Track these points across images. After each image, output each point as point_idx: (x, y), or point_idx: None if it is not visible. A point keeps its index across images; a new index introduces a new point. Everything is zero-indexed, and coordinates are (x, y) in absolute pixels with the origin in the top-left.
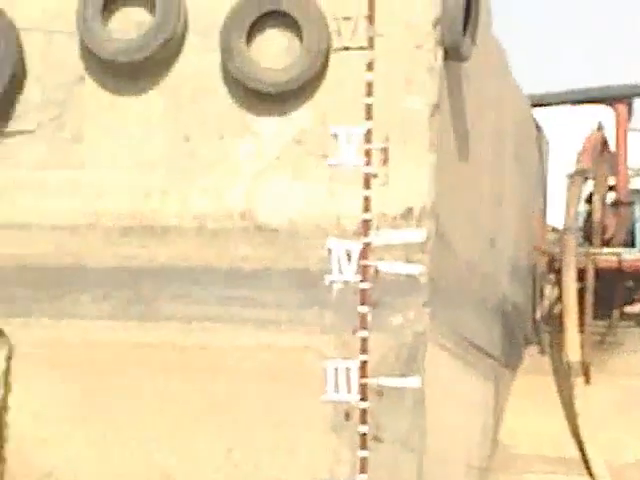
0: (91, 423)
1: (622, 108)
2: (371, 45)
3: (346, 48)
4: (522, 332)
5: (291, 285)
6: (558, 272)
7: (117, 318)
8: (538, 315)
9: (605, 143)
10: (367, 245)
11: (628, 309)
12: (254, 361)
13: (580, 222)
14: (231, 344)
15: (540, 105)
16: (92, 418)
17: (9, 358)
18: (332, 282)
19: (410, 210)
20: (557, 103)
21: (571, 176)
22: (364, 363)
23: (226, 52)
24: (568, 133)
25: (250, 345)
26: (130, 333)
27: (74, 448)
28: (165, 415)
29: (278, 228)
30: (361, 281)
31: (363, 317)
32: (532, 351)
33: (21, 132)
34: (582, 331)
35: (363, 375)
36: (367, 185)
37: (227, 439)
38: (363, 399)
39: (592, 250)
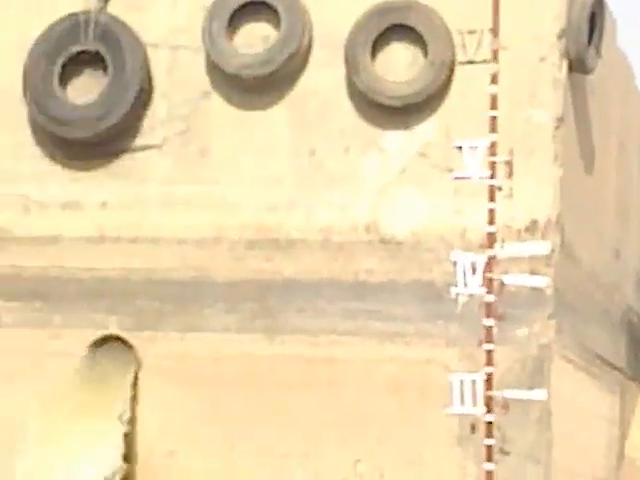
0: (218, 435)
1: None
2: (495, 58)
3: (470, 62)
4: None
5: (416, 298)
6: None
7: (243, 331)
8: None
9: None
10: (492, 258)
11: None
12: (380, 374)
13: None
14: (357, 357)
15: None
16: (219, 431)
17: (137, 371)
18: (457, 295)
19: (535, 223)
20: None
21: None
22: (490, 376)
23: (351, 66)
24: None
25: (376, 358)
26: (256, 346)
27: (201, 461)
28: (292, 427)
29: (403, 241)
30: (486, 294)
31: (488, 330)
32: None
33: (148, 147)
34: None
35: (489, 388)
36: (492, 198)
37: (353, 451)
38: (489, 412)
39: None
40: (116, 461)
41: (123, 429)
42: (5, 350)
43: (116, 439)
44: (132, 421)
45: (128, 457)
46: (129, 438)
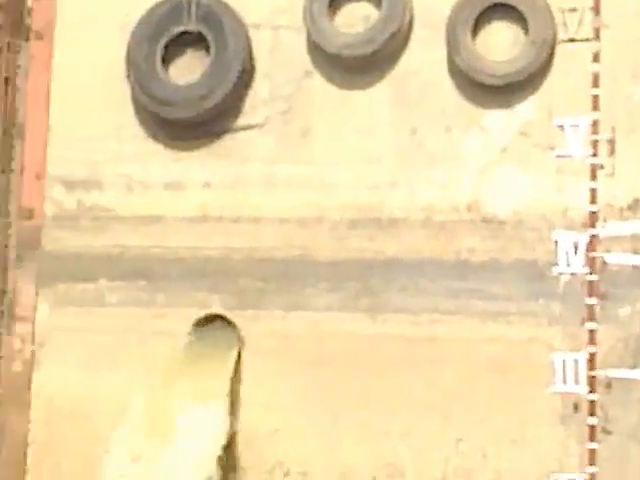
0: (320, 414)
1: None
2: (597, 36)
3: (572, 40)
4: None
5: (518, 277)
6: None
7: (345, 310)
8: None
9: None
10: (594, 237)
11: None
12: (482, 353)
13: None
14: (459, 336)
15: None
16: (321, 409)
17: (240, 350)
18: (559, 274)
19: (637, 201)
20: None
21: None
22: (592, 355)
23: (452, 45)
24: None
25: (478, 337)
26: (358, 325)
27: (304, 439)
28: (393, 406)
29: (505, 220)
30: (589, 273)
31: (591, 309)
32: None
33: (250, 127)
34: None
35: (591, 367)
36: (594, 176)
37: (456, 430)
38: (592, 391)
39: None
40: (220, 439)
41: (227, 407)
42: (109, 329)
43: (219, 417)
44: (235, 399)
45: (232, 435)
46: (233, 416)
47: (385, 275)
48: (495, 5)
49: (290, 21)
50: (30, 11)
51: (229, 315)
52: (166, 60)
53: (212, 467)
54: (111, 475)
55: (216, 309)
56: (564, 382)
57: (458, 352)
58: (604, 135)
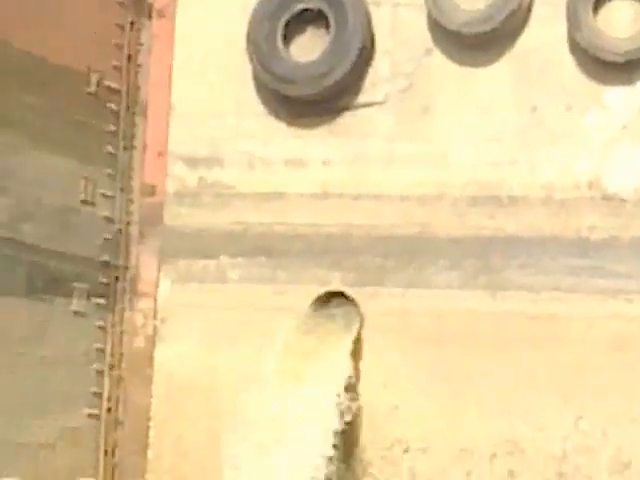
0: (440, 392)
1: None
2: None
3: None
4: None
5: (639, 255)
6: None
7: (466, 288)
8: None
9: None
10: None
11: None
12: (602, 330)
13: None
14: (579, 313)
15: None
16: (441, 387)
17: (360, 327)
18: None
19: None
20: None
21: None
22: None
23: (572, 22)
24: None
25: (598, 314)
26: (479, 302)
27: (424, 416)
28: (514, 384)
29: (626, 198)
30: None
31: None
32: None
33: (370, 104)
34: None
35: None
36: None
37: (575, 408)
38: None
39: None
40: (340, 415)
41: (346, 384)
42: (230, 305)
43: (339, 393)
44: (355, 376)
45: (352, 412)
46: (352, 393)
47: (505, 253)
48: None
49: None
50: None
51: (349, 292)
52: (287, 38)
53: (332, 442)
54: (232, 454)
55: (336, 286)
56: None
57: (578, 330)
58: None
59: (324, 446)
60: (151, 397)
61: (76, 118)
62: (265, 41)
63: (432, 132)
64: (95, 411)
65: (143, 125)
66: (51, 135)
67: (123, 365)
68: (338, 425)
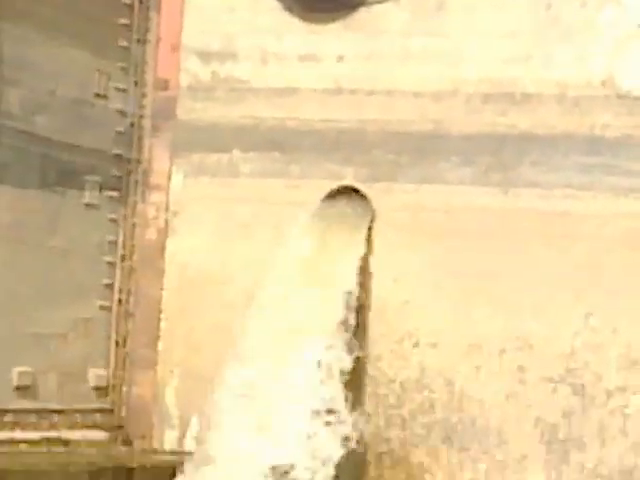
0: (451, 287)
1: None
2: None
3: None
4: None
5: None
6: None
7: (478, 184)
8: None
9: None
10: None
11: None
12: (613, 228)
13: None
14: (592, 211)
15: None
16: (452, 282)
17: (371, 222)
18: None
19: None
20: None
21: None
22: None
23: None
24: None
25: (610, 212)
26: (491, 199)
27: (434, 311)
28: (524, 280)
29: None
30: None
31: None
32: None
33: (385, 0)
34: None
35: None
36: None
37: (585, 304)
38: None
39: None
40: (350, 310)
41: (358, 278)
42: (243, 199)
43: (351, 288)
44: (366, 270)
45: (363, 306)
46: (363, 287)
47: (518, 150)
48: None
49: None
50: None
51: (362, 188)
52: None
53: (334, 331)
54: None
55: (349, 181)
56: None
57: (590, 227)
58: None
59: (330, 336)
60: (162, 289)
61: (90, 11)
62: None
63: (447, 29)
64: (107, 303)
65: (157, 19)
66: (65, 28)
67: (135, 257)
68: (342, 316)
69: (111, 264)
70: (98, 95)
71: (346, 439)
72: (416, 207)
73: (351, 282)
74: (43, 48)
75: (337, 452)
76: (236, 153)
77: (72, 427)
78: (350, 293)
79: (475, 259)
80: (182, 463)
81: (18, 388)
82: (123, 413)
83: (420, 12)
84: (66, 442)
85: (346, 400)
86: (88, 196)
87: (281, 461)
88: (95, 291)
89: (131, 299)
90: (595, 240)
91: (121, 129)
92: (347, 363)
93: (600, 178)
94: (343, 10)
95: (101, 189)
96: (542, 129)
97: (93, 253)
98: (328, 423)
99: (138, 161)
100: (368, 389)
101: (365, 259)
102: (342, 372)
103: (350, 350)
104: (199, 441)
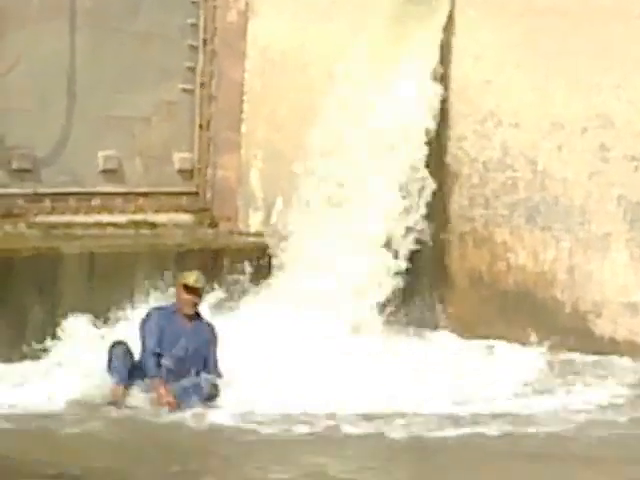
0: (533, 65)
1: None
2: None
3: None
4: None
5: None
6: None
7: None
8: None
9: None
10: None
11: None
12: None
13: None
14: None
15: None
16: (534, 60)
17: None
18: None
19: None
20: None
21: None
22: None
23: None
24: None
25: None
26: None
27: (516, 90)
28: (605, 58)
29: None
30: None
31: None
32: None
33: None
34: None
35: None
36: None
37: None
38: None
39: None
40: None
41: (438, 59)
42: None
43: (433, 64)
44: (447, 50)
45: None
46: (444, 68)
47: None
48: None
49: None
50: None
51: None
52: None
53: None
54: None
55: None
56: None
57: None
58: None
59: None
60: (244, 72)
61: None
62: None
63: None
64: (189, 86)
65: None
66: None
67: (216, 40)
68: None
69: (193, 47)
70: None
71: None
72: None
73: (433, 58)
74: None
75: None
76: None
77: (158, 210)
78: (434, 69)
79: (556, 38)
80: (267, 244)
81: (104, 172)
82: (208, 196)
83: None
84: (152, 225)
85: None
86: None
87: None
88: (177, 74)
89: (213, 82)
90: None
91: None
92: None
93: None
94: None
95: None
96: None
97: (175, 36)
98: None
99: None
100: (451, 169)
101: (447, 39)
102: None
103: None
104: (283, 221)
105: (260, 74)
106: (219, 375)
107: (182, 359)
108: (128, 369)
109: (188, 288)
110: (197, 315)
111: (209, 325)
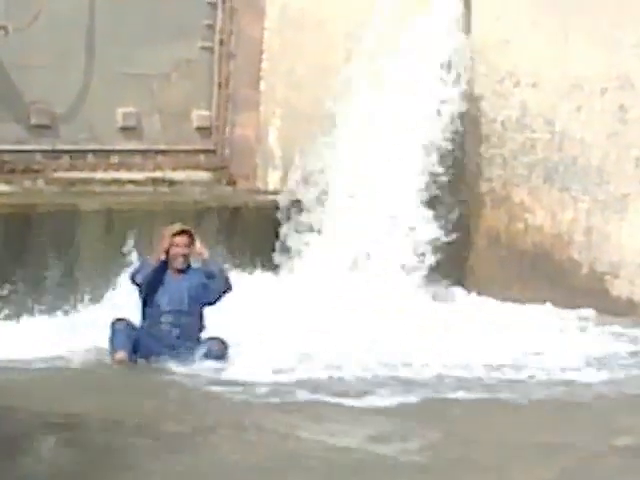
0: (551, 25)
1: None
2: None
3: None
4: None
5: None
6: None
7: None
8: None
9: None
10: None
11: None
12: None
13: None
14: None
15: None
16: (552, 20)
17: None
18: None
19: None
20: None
21: None
22: None
23: None
24: None
25: None
26: None
27: (535, 50)
28: (625, 16)
29: None
30: None
31: None
32: None
33: None
34: None
35: None
36: None
37: None
38: None
39: None
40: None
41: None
42: None
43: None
44: (467, 9)
45: None
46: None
47: None
48: None
49: None
50: None
51: None
52: None
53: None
54: None
55: None
56: None
57: None
58: None
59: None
60: (264, 29)
61: None
62: None
63: None
64: (208, 43)
65: None
66: None
67: None
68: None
69: (212, 4)
70: None
71: None
72: None
73: (456, 10)
74: None
75: None
76: None
77: (176, 167)
78: (457, 20)
79: None
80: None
81: (123, 129)
82: (227, 154)
83: None
84: (171, 182)
85: None
86: None
87: None
88: (196, 32)
89: (232, 40)
90: None
91: None
92: None
93: None
94: None
95: None
96: None
97: None
98: None
99: None
100: (469, 129)
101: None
102: None
103: None
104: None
105: (279, 32)
106: (228, 283)
107: (183, 312)
108: (132, 342)
109: (179, 236)
110: (188, 267)
111: (199, 270)
